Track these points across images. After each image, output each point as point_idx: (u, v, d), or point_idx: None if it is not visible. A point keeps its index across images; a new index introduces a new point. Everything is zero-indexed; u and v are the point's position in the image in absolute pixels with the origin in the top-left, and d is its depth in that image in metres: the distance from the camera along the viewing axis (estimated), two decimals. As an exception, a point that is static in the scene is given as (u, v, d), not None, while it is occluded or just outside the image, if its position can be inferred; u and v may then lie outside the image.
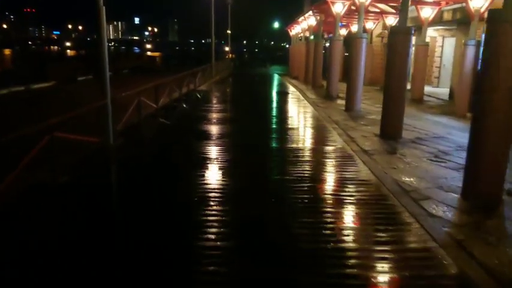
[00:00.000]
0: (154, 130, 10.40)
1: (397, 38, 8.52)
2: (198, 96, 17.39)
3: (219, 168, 6.74)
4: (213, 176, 6.42)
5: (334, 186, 6.15)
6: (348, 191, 5.67)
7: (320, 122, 11.07)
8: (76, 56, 63.86)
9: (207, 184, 5.99)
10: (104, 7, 7.29)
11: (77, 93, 18.71)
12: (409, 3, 9.45)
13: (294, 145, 8.60)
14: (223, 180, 6.21)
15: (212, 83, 22.94)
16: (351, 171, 6.55)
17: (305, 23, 25.81)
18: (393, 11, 18.95)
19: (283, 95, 18.21)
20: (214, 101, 15.72)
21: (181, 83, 15.63)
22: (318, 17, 19.36)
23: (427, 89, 19.34)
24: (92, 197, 5.53)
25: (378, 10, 20.46)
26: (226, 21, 42.72)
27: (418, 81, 15.34)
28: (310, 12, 21.05)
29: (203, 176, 6.39)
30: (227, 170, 6.69)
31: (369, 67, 23.88)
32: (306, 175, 6.38)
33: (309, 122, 11.72)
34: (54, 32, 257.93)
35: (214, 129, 10.16)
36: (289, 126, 10.99)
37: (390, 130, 8.63)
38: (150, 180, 6.25)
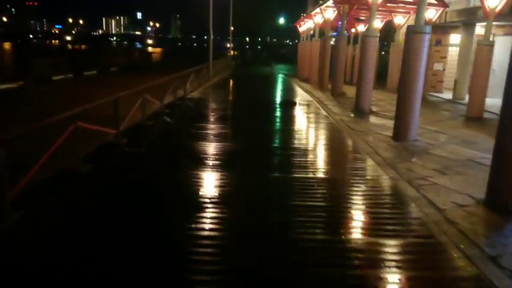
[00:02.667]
0: (115, 161, 6.65)
1: None
2: (189, 104, 13.62)
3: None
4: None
5: None
6: None
7: (363, 161, 7.18)
8: (75, 50, 60.14)
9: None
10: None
11: (38, 98, 14.96)
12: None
13: (334, 219, 4.81)
14: None
15: (208, 87, 19.09)
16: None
17: (319, 17, 21.97)
18: (433, 1, 15.10)
19: (297, 107, 14.15)
20: (207, 116, 11.72)
21: (165, 90, 11.85)
22: (341, 8, 15.51)
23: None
24: None
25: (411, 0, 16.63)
26: (229, 17, 38.96)
27: (478, 92, 11.51)
28: (330, 3, 17.18)
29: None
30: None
31: (395, 70, 20.04)
32: None
33: (347, 162, 7.33)
34: (56, 26, 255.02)
35: (200, 179, 6.34)
36: (320, 175, 6.26)
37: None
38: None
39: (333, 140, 9.06)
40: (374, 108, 12.45)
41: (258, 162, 6.85)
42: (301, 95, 17.42)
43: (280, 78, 29.31)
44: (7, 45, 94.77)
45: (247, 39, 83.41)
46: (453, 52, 18.21)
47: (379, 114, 11.74)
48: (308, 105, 13.91)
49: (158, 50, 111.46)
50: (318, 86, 19.98)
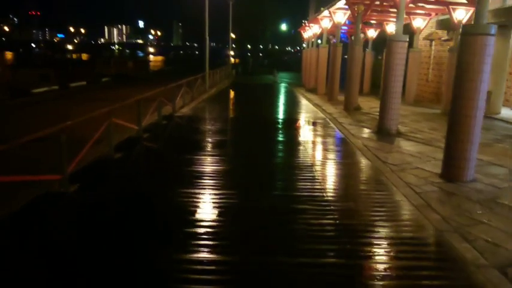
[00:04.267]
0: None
1: None
2: (177, 123, 11.42)
3: None
4: None
5: None
6: None
7: (417, 227, 4.85)
8: (71, 60, 58.22)
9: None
10: None
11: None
12: None
13: None
14: None
15: (203, 101, 16.87)
16: None
17: (326, 21, 19.84)
18: (463, 0, 12.91)
19: (308, 127, 11.66)
20: (197, 144, 9.18)
21: (149, 106, 9.65)
22: (356, 9, 13.34)
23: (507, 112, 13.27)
24: None
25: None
26: (229, 25, 36.98)
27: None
28: (340, 4, 15.03)
29: None
30: None
31: (415, 80, 17.86)
32: None
33: (393, 231, 4.60)
34: (59, 35, 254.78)
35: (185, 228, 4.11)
36: (354, 260, 3.98)
37: None
38: None
39: (361, 182, 6.67)
40: (401, 128, 10.19)
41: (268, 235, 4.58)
42: (310, 110, 15.14)
43: (284, 89, 27.12)
44: (9, 55, 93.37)
45: (248, 46, 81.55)
46: (482, 59, 16.01)
47: (410, 137, 9.49)
48: (320, 125, 11.63)
49: (159, 58, 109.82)
50: (327, 98, 17.78)
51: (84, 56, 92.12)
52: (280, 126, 11.64)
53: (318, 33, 24.18)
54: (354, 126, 10.78)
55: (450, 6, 13.12)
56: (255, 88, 27.71)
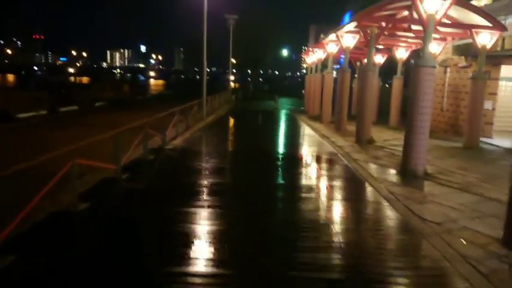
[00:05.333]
0: None
1: None
2: (167, 158, 9.90)
3: None
4: None
5: None
6: None
7: None
8: (71, 82, 57.25)
9: None
10: None
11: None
12: None
13: None
14: None
15: (200, 130, 15.37)
16: None
17: (332, 46, 18.64)
18: (487, 23, 11.63)
19: (319, 165, 9.94)
20: (187, 188, 7.42)
21: (135, 137, 8.16)
22: (369, 32, 12.07)
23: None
24: None
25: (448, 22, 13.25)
26: (231, 49, 36.15)
27: None
28: (351, 27, 13.78)
29: None
30: None
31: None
32: None
33: None
34: (61, 59, 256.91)
35: None
36: None
37: None
38: None
39: (399, 254, 4.98)
40: (431, 170, 8.65)
41: None
42: (317, 142, 13.61)
43: (286, 116, 25.75)
44: (11, 77, 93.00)
45: (248, 71, 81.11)
46: (506, 87, 14.68)
47: (440, 180, 7.94)
48: (332, 162, 10.06)
49: (160, 82, 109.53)
50: (334, 128, 16.33)
51: (85, 80, 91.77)
52: (285, 164, 9.93)
53: (323, 58, 23.00)
54: (372, 165, 9.24)
55: (473, 30, 11.84)
56: (256, 115, 26.31)
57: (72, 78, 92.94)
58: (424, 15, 7.87)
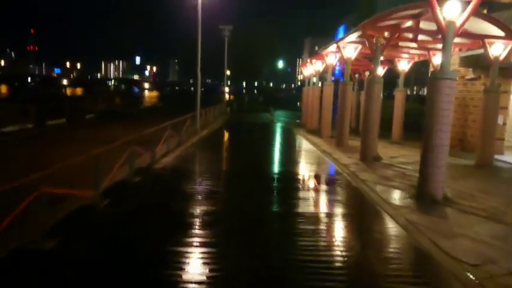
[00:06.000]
0: None
1: None
2: (155, 179, 8.95)
3: None
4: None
5: None
6: None
7: None
8: (61, 94, 56.08)
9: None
10: None
11: None
12: None
13: None
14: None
15: (193, 146, 14.41)
16: None
17: (332, 57, 17.91)
18: (501, 33, 10.90)
19: (324, 187, 8.87)
20: (178, 217, 6.22)
21: (123, 151, 7.21)
22: (375, 41, 11.31)
23: None
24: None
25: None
26: (226, 61, 35.45)
27: None
28: (353, 37, 13.02)
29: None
30: None
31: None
32: None
33: None
34: (56, 70, 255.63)
35: None
36: None
37: None
38: None
39: None
40: (451, 194, 7.76)
41: None
42: (319, 160, 12.68)
43: (283, 130, 24.88)
44: (4, 89, 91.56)
45: (243, 83, 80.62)
46: (517, 101, 13.94)
47: (463, 206, 7.04)
48: (338, 184, 9.11)
49: (155, 94, 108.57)
50: (335, 143, 15.47)
51: (79, 91, 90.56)
52: (286, 186, 8.83)
53: (321, 69, 22.28)
54: (384, 188, 8.32)
55: (486, 40, 11.11)
56: (252, 129, 25.39)
57: (67, 90, 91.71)
58: (443, 22, 7.07)
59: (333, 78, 27.06)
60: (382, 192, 7.94)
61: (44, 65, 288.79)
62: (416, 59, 18.23)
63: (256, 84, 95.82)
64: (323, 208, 7.24)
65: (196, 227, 5.81)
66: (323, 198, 7.83)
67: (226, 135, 20.99)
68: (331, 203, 7.58)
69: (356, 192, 8.20)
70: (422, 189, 7.44)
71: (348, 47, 14.81)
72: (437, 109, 7.21)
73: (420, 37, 13.36)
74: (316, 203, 7.51)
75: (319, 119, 21.12)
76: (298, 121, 30.37)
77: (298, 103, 51.30)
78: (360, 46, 14.80)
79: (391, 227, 6.08)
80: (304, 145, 16.33)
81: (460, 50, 14.55)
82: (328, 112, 18.27)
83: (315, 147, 15.24)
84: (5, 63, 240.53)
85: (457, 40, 13.18)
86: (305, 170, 11.04)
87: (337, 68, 28.79)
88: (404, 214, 6.49)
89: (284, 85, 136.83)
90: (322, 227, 6.04)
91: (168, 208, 6.74)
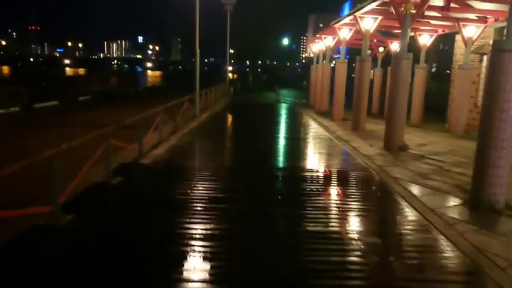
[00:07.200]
0: None
1: None
2: (143, 176, 7.37)
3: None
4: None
5: None
6: None
7: None
8: (53, 75, 54.25)
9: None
10: None
11: None
12: None
13: None
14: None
15: (190, 133, 12.71)
16: None
17: (346, 31, 16.00)
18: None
19: (346, 189, 7.06)
20: (164, 240, 4.59)
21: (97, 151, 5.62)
22: (403, 9, 9.45)
23: None
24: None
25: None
26: (229, 38, 33.33)
27: None
28: (375, 4, 11.11)
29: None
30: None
31: (465, 103, 14.00)
32: None
33: None
34: (58, 50, 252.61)
35: None
36: None
37: None
38: None
39: None
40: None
41: None
42: (336, 149, 10.88)
43: (290, 112, 23.10)
44: (5, 69, 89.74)
45: (247, 62, 78.25)
46: None
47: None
48: (366, 184, 7.35)
49: (158, 73, 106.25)
50: (350, 127, 13.78)
51: (81, 71, 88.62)
52: (302, 189, 6.96)
53: (332, 45, 20.34)
54: (423, 190, 6.65)
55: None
56: (257, 111, 23.58)
57: (65, 70, 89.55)
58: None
59: (337, 56, 25.16)
60: (423, 196, 6.28)
61: (46, 45, 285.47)
62: (440, 32, 16.28)
63: (260, 62, 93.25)
64: (353, 223, 5.48)
65: (188, 260, 4.17)
66: (351, 207, 6.08)
67: (228, 119, 19.25)
68: (361, 216, 5.79)
69: (391, 198, 6.52)
70: (478, 195, 5.77)
71: (366, 17, 12.92)
72: (502, 91, 5.48)
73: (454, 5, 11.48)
74: (345, 216, 5.69)
75: (330, 100, 19.37)
76: (304, 101, 28.58)
77: (304, 82, 49.23)
78: (379, 17, 12.94)
79: (451, 255, 4.42)
80: (316, 130, 14.60)
81: (496, 20, 12.64)
82: (341, 92, 16.47)
83: (327, 133, 13.53)
84: (6, 43, 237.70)
85: (490, 6, 11.35)
86: (321, 165, 9.15)
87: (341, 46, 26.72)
88: (464, 233, 4.85)
89: (288, 63, 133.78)
90: (354, 255, 4.37)
91: (151, 227, 5.11)
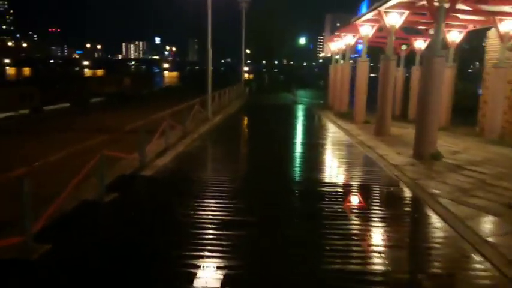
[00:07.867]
0: None
1: None
2: (142, 193, 6.55)
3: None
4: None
5: None
6: None
7: None
8: (68, 75, 54.47)
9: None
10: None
11: None
12: None
13: None
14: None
15: (200, 138, 11.84)
16: None
17: (367, 28, 14.94)
18: None
19: (375, 209, 5.87)
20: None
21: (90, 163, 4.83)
22: (436, 2, 8.40)
23: None
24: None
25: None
26: (244, 37, 32.55)
27: None
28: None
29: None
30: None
31: (500, 105, 12.80)
32: None
33: None
34: (77, 52, 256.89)
35: None
36: None
37: None
38: None
39: None
40: None
41: None
42: (360, 158, 9.71)
43: (308, 113, 22.06)
44: (27, 71, 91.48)
45: (263, 62, 77.37)
46: None
47: None
48: (400, 203, 6.38)
49: (174, 74, 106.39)
50: (373, 131, 12.74)
51: (100, 72, 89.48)
52: (323, 208, 5.93)
53: (352, 43, 19.26)
54: (469, 211, 5.60)
55: None
56: (273, 113, 22.53)
57: (86, 71, 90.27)
58: None
59: (354, 56, 23.93)
60: (469, 219, 5.25)
61: (65, 47, 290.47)
62: (471, 27, 15.05)
63: (276, 62, 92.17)
64: (386, 263, 4.49)
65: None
66: (383, 237, 5.03)
67: (242, 122, 18.35)
68: (396, 249, 4.72)
69: (430, 222, 5.48)
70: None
71: (391, 12, 11.87)
72: None
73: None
74: (377, 253, 4.75)
75: (350, 102, 18.32)
76: (321, 102, 27.51)
77: (321, 82, 48.06)
78: (406, 12, 11.88)
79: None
80: (336, 134, 13.59)
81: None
82: (363, 93, 15.41)
83: (349, 137, 12.52)
84: (27, 45, 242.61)
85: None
86: (345, 178, 8.05)
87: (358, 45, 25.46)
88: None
89: (305, 63, 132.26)
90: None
91: (144, 262, 4.23)
